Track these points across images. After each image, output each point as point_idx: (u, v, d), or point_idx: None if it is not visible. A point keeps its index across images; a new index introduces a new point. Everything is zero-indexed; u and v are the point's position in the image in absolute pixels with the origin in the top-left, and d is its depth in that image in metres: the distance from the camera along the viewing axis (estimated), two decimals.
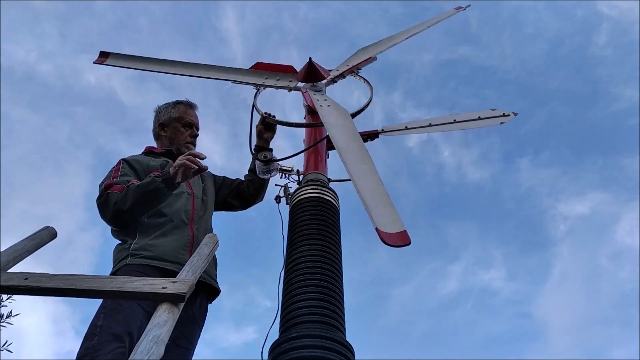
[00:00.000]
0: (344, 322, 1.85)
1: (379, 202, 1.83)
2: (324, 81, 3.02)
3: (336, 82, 3.23)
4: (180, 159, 2.10)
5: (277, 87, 3.06)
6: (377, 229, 1.67)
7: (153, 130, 2.65)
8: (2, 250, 1.38)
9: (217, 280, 2.32)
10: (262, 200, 2.76)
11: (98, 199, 2.12)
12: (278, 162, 2.75)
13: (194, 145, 2.60)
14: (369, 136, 3.22)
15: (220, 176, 2.78)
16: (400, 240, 1.66)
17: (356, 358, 1.72)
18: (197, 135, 2.63)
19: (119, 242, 2.20)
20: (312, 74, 2.89)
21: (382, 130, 3.22)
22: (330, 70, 3.21)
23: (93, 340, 1.73)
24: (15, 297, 3.46)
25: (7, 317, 3.79)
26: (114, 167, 2.28)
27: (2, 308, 3.78)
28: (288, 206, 2.54)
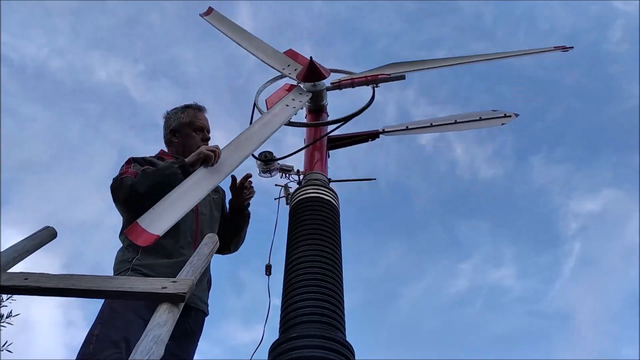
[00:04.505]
0: (344, 322, 1.85)
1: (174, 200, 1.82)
2: (324, 82, 3.07)
3: (341, 89, 3.20)
4: (204, 150, 2.13)
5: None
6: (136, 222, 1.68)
7: (164, 137, 2.59)
8: (2, 250, 1.38)
9: (213, 290, 2.29)
10: (237, 247, 2.59)
11: (112, 184, 2.11)
12: (278, 162, 2.75)
13: None
14: (370, 136, 3.21)
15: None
16: (142, 239, 1.64)
17: (357, 358, 1.72)
18: (209, 138, 2.58)
19: (121, 251, 2.14)
20: (310, 75, 2.94)
21: (383, 130, 3.22)
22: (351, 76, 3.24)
23: (89, 347, 1.73)
24: (15, 297, 3.46)
25: (7, 317, 3.78)
26: (123, 165, 2.26)
27: (2, 308, 3.78)
28: (288, 206, 2.55)
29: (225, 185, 2.52)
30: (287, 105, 2.70)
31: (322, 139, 2.98)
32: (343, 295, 1.95)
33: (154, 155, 2.46)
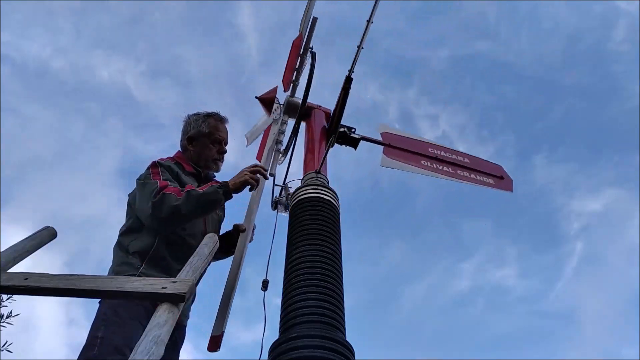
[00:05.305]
0: (344, 322, 1.85)
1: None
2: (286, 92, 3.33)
3: (297, 84, 3.35)
4: (249, 177, 2.14)
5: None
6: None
7: (181, 141, 2.55)
8: (2, 250, 1.38)
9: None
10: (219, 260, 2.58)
11: (153, 197, 2.02)
12: (285, 184, 2.85)
13: (222, 161, 2.54)
14: (344, 89, 2.88)
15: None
16: (211, 345, 1.86)
17: (357, 358, 1.72)
18: (226, 151, 2.56)
19: (123, 253, 2.10)
20: (268, 107, 3.27)
21: (349, 72, 2.82)
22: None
23: (93, 350, 1.71)
24: (15, 297, 3.46)
25: (7, 317, 3.79)
26: (150, 169, 2.21)
27: (2, 308, 3.78)
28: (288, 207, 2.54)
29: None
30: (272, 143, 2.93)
31: (315, 137, 3.02)
32: (343, 295, 1.95)
33: (171, 156, 2.44)
